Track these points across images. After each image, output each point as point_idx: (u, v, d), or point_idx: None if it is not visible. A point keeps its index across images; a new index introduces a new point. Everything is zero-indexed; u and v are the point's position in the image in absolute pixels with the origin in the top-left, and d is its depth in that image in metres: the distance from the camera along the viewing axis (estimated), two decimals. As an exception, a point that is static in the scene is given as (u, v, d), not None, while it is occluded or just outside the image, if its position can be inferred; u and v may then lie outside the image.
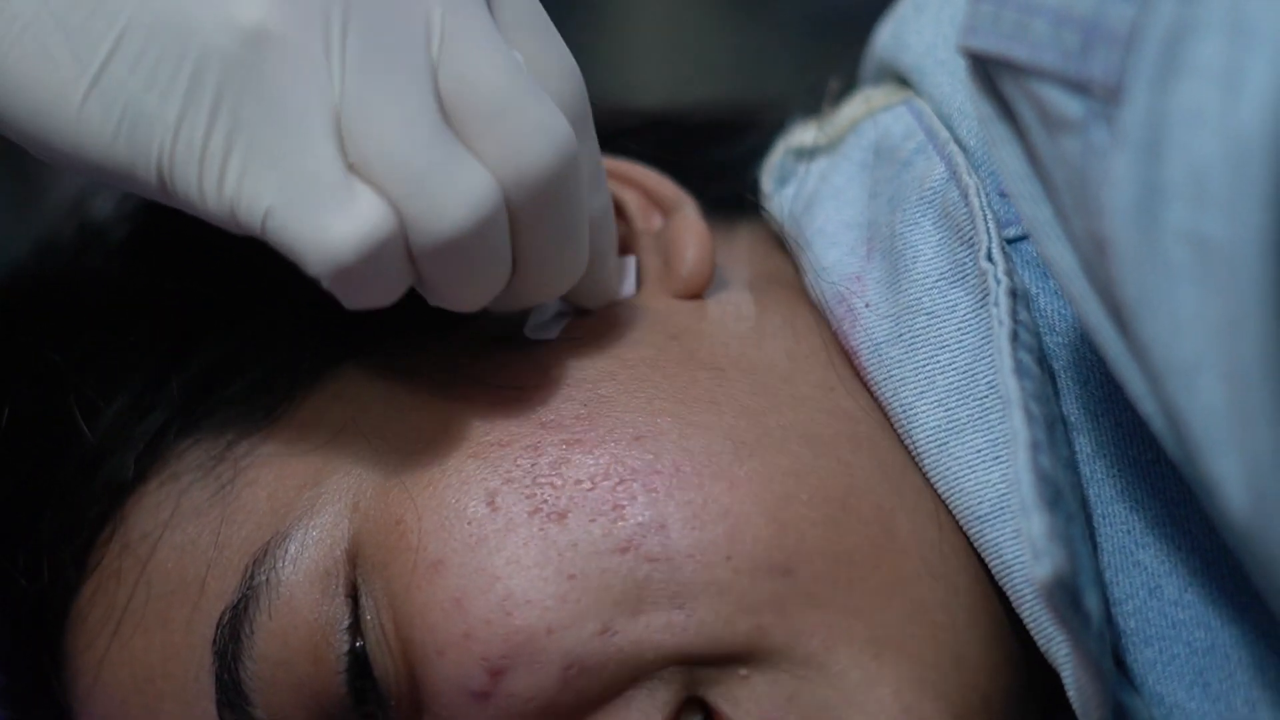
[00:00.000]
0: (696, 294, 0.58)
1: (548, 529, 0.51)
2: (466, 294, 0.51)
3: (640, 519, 0.51)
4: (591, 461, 0.52)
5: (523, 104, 0.49)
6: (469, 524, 0.51)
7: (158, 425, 0.56)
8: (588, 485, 0.52)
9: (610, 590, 0.50)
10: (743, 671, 0.50)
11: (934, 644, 0.52)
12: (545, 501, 0.51)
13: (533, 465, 0.52)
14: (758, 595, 0.51)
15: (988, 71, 0.47)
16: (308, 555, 0.53)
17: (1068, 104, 0.44)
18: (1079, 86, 0.43)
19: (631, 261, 0.59)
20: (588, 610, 0.50)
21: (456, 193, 0.48)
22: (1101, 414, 0.53)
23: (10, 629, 0.58)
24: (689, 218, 0.59)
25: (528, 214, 0.50)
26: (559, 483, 0.52)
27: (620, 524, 0.51)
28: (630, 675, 0.50)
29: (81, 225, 0.63)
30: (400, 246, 0.48)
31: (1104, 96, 0.43)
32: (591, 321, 0.57)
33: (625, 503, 0.51)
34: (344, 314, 0.51)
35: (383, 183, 0.48)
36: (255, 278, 0.56)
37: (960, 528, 0.53)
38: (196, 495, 0.55)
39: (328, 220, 0.47)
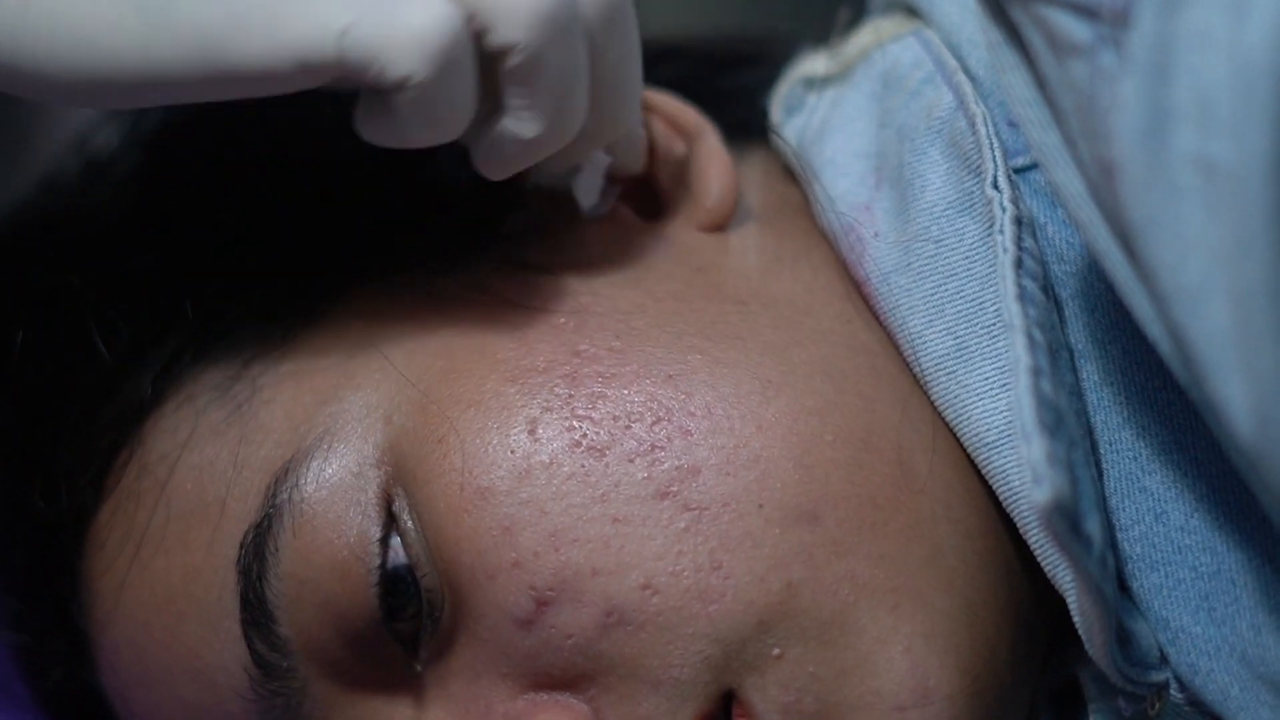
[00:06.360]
0: (721, 225, 0.58)
1: (590, 465, 0.51)
2: (550, 112, 0.51)
3: (677, 462, 0.51)
4: (627, 397, 0.52)
5: None
6: (513, 453, 0.52)
7: (174, 346, 0.56)
8: (624, 423, 0.52)
9: (653, 541, 0.51)
10: (775, 651, 0.51)
11: (948, 591, 0.52)
12: (585, 435, 0.52)
13: (570, 396, 0.52)
14: (787, 546, 0.51)
15: None
16: (331, 471, 0.53)
17: (1076, 28, 0.44)
18: (1087, 11, 0.43)
19: (600, 163, 0.58)
20: (631, 559, 0.50)
21: None
22: (1109, 342, 0.53)
23: (28, 554, 0.58)
24: (712, 147, 0.59)
25: (601, 35, 0.51)
26: (596, 417, 0.52)
27: (657, 467, 0.51)
28: (663, 652, 0.51)
29: (86, 161, 0.63)
30: (470, 49, 0.49)
31: (1112, 21, 0.43)
32: (618, 251, 0.57)
33: (662, 444, 0.52)
34: (366, 234, 0.50)
35: None
36: (273, 198, 0.56)
37: (970, 461, 0.54)
38: (214, 415, 0.55)
39: (404, 16, 0.47)
